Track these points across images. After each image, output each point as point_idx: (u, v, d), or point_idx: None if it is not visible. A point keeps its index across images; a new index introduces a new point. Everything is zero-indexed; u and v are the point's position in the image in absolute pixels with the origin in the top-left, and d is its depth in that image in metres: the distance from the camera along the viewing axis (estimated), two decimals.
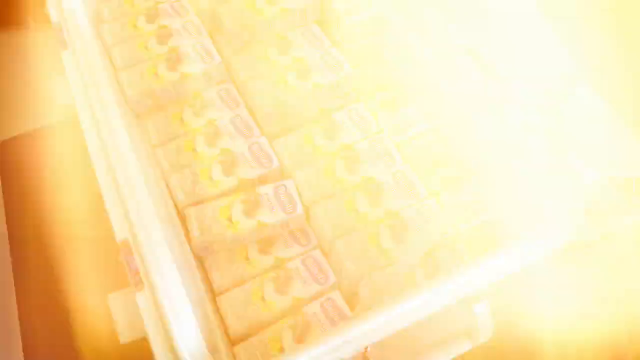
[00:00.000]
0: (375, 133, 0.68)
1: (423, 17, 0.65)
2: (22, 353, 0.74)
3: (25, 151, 1.06)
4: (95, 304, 0.66)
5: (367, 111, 0.69)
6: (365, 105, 0.70)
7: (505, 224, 0.61)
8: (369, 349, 0.45)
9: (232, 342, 0.58)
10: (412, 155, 0.65)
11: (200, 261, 0.63)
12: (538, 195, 0.56)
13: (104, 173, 0.59)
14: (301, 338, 0.56)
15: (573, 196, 0.53)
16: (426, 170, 0.64)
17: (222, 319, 0.58)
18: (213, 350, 0.55)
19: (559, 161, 0.54)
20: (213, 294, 0.61)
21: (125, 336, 0.54)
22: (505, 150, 0.59)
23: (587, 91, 0.55)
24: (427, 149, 0.66)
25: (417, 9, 0.66)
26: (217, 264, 0.62)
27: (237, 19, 0.69)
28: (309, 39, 0.71)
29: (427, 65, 0.65)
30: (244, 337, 0.57)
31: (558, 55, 0.58)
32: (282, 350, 0.56)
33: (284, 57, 0.70)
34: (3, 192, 1.01)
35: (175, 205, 0.65)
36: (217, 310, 0.59)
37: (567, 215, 0.52)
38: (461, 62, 0.61)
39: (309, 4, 0.71)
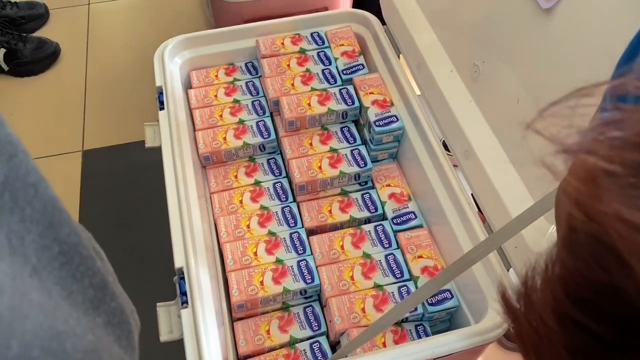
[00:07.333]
0: (379, 218, 0.88)
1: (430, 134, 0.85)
2: None
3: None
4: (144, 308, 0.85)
5: (377, 198, 0.89)
6: (376, 193, 0.89)
7: (459, 312, 0.80)
8: None
9: (240, 358, 0.77)
10: (403, 243, 0.84)
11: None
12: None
13: (174, 206, 0.78)
14: None
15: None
16: (412, 257, 0.83)
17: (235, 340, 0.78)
18: None
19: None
20: (232, 318, 0.80)
21: (164, 337, 0.74)
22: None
23: None
24: (417, 240, 0.84)
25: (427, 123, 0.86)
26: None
27: (294, 109, 0.89)
28: (344, 135, 0.91)
29: (426, 175, 0.84)
30: (249, 356, 0.77)
31: None
32: None
33: (323, 145, 0.90)
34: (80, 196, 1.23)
35: (218, 241, 0.85)
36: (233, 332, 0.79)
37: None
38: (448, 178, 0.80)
39: (350, 108, 0.91)
